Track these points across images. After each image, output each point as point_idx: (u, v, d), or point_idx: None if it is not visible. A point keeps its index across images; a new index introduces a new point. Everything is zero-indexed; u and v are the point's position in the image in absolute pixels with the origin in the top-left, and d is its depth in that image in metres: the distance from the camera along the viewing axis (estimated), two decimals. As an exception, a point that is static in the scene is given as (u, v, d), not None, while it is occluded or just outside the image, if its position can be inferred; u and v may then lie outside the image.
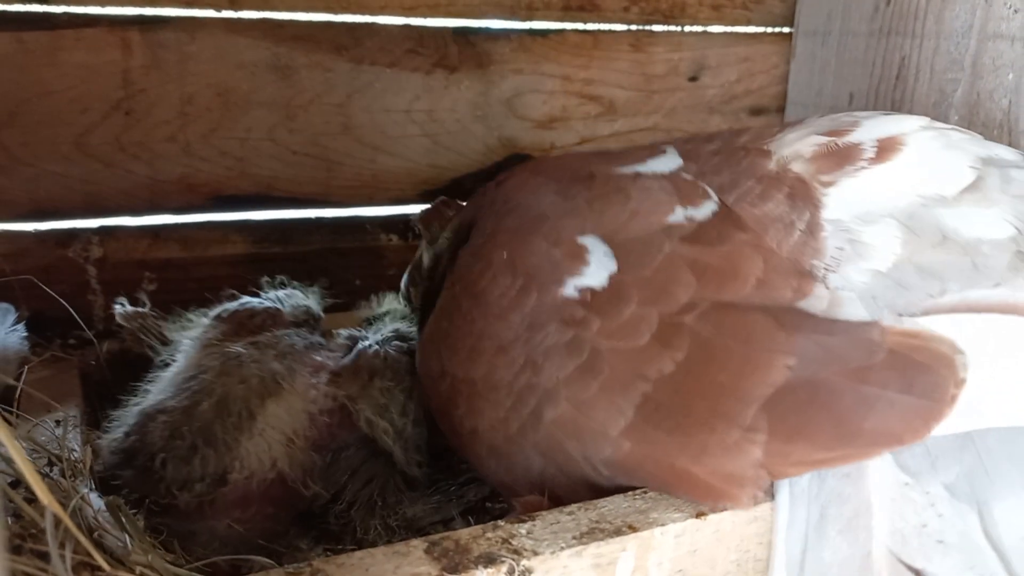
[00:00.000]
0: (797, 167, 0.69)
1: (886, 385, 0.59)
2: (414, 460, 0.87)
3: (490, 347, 0.73)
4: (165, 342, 0.92)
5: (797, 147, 0.70)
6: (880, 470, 0.60)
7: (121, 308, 0.96)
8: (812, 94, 1.35)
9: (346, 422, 0.85)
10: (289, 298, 0.96)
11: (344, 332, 0.96)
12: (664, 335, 0.65)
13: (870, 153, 0.67)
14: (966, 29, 1.09)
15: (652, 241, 0.69)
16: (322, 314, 0.98)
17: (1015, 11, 1.03)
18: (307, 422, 0.82)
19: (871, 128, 0.69)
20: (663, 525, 0.63)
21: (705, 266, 0.66)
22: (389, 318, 1.03)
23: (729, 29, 1.35)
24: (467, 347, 0.75)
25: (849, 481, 0.61)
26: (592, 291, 0.69)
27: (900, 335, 0.60)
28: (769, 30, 1.38)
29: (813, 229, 0.66)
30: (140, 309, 0.96)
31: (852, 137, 0.69)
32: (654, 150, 0.78)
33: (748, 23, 1.36)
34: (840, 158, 0.68)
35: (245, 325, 0.88)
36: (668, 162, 0.76)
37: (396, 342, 0.93)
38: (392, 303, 1.08)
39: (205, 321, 0.90)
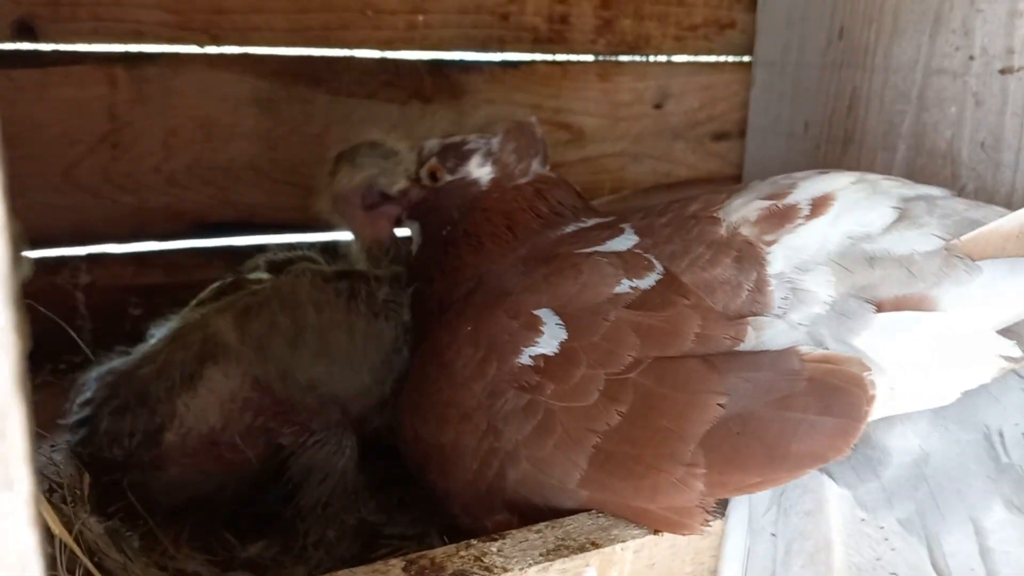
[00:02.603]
0: (744, 231, 0.75)
1: (807, 409, 0.64)
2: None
3: (455, 414, 0.79)
4: None
5: (743, 213, 0.76)
6: (839, 508, 0.66)
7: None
8: (771, 121, 1.41)
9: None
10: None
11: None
12: (611, 392, 0.71)
13: (806, 211, 0.73)
14: (912, 64, 1.15)
15: (599, 310, 0.75)
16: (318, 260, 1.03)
17: (956, 48, 1.09)
18: (246, 385, 0.86)
19: (806, 188, 0.75)
20: (623, 541, 0.67)
21: (648, 328, 0.72)
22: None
23: (692, 59, 1.41)
24: (435, 415, 0.81)
25: (811, 519, 0.66)
26: (545, 358, 0.75)
27: (816, 361, 0.65)
28: (730, 59, 1.44)
29: (760, 286, 0.71)
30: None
31: (790, 199, 0.74)
32: (614, 230, 0.84)
33: (710, 53, 1.42)
34: (780, 218, 0.73)
35: (208, 301, 0.94)
36: (624, 241, 0.81)
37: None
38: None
39: None
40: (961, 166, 1.09)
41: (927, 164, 1.13)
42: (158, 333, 0.92)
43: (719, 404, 0.66)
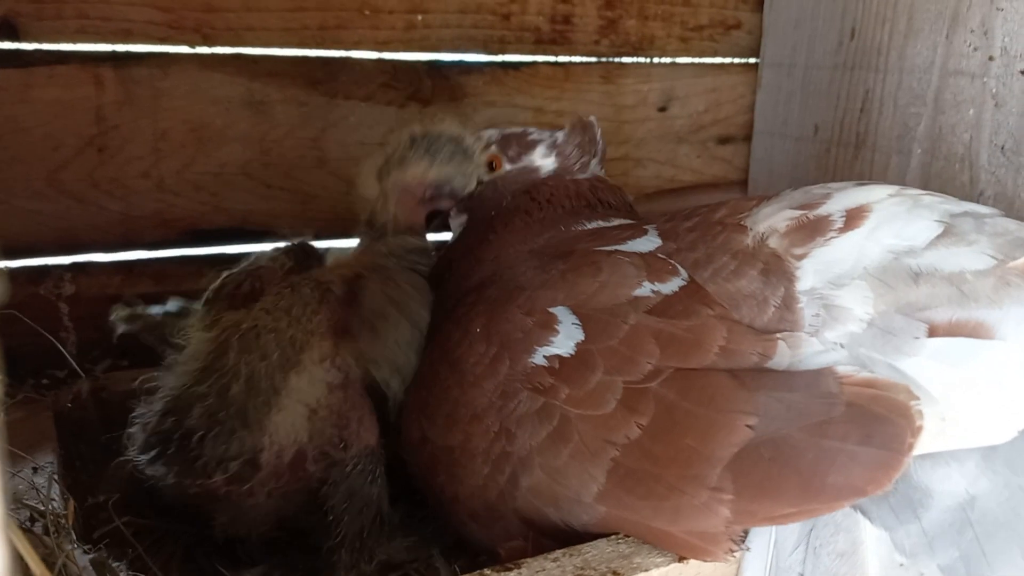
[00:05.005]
0: (772, 242, 0.71)
1: (846, 438, 0.60)
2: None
3: (465, 415, 0.75)
4: (168, 337, 0.90)
5: (772, 222, 0.72)
6: (877, 550, 0.62)
7: (116, 314, 0.93)
8: (778, 124, 1.38)
9: (354, 394, 0.83)
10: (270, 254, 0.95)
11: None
12: (629, 402, 0.67)
13: (839, 223, 0.68)
14: (928, 65, 1.12)
15: (618, 312, 0.71)
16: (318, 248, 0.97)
17: (975, 48, 1.06)
18: (325, 391, 0.81)
19: (840, 199, 0.70)
20: (647, 570, 0.64)
21: (669, 336, 0.68)
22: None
23: (697, 60, 1.38)
24: (444, 414, 0.77)
25: (845, 561, 0.62)
26: (560, 359, 0.71)
27: (856, 385, 0.61)
28: (736, 61, 1.41)
29: (788, 303, 0.67)
30: (136, 310, 0.94)
31: (822, 210, 0.70)
32: (637, 231, 0.80)
33: (715, 54, 1.39)
34: (811, 230, 0.69)
35: (236, 296, 0.86)
36: (647, 243, 0.78)
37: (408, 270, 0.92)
38: None
39: (198, 309, 0.88)
40: (980, 170, 1.06)
41: (944, 168, 1.10)
42: (189, 336, 0.84)
43: (747, 425, 0.62)
